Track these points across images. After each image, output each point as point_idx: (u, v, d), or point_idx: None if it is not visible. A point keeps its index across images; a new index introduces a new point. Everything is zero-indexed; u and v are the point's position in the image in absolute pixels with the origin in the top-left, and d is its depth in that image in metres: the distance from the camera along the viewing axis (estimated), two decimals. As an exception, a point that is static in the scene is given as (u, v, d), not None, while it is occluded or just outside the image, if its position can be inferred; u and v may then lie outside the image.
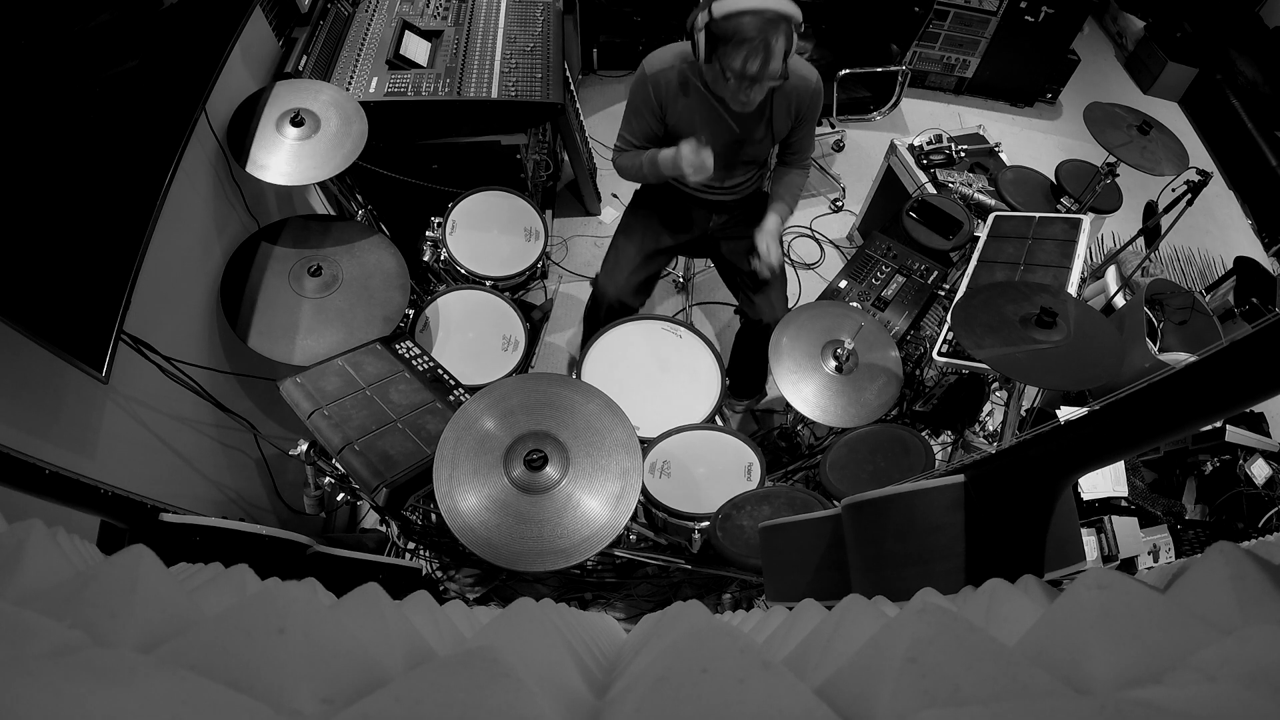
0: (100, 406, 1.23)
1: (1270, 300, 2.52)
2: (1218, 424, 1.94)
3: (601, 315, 1.97)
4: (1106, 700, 0.22)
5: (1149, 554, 1.77)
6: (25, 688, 0.22)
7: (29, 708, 0.21)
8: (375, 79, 2.03)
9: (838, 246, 3.22)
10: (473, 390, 1.45)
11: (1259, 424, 2.02)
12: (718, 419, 1.75)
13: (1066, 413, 1.85)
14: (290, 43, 2.01)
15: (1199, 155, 4.03)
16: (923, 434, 1.72)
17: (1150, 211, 2.91)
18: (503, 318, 1.88)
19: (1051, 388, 2.00)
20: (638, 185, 2.09)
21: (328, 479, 1.48)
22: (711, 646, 0.27)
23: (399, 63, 2.06)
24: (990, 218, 2.07)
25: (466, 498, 1.20)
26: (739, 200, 2.01)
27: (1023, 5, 3.58)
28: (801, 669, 0.37)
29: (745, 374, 2.30)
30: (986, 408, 2.12)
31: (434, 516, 1.66)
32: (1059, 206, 2.41)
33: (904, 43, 3.37)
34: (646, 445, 1.60)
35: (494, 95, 2.05)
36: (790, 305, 1.84)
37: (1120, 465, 1.87)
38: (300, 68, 1.95)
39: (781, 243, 2.13)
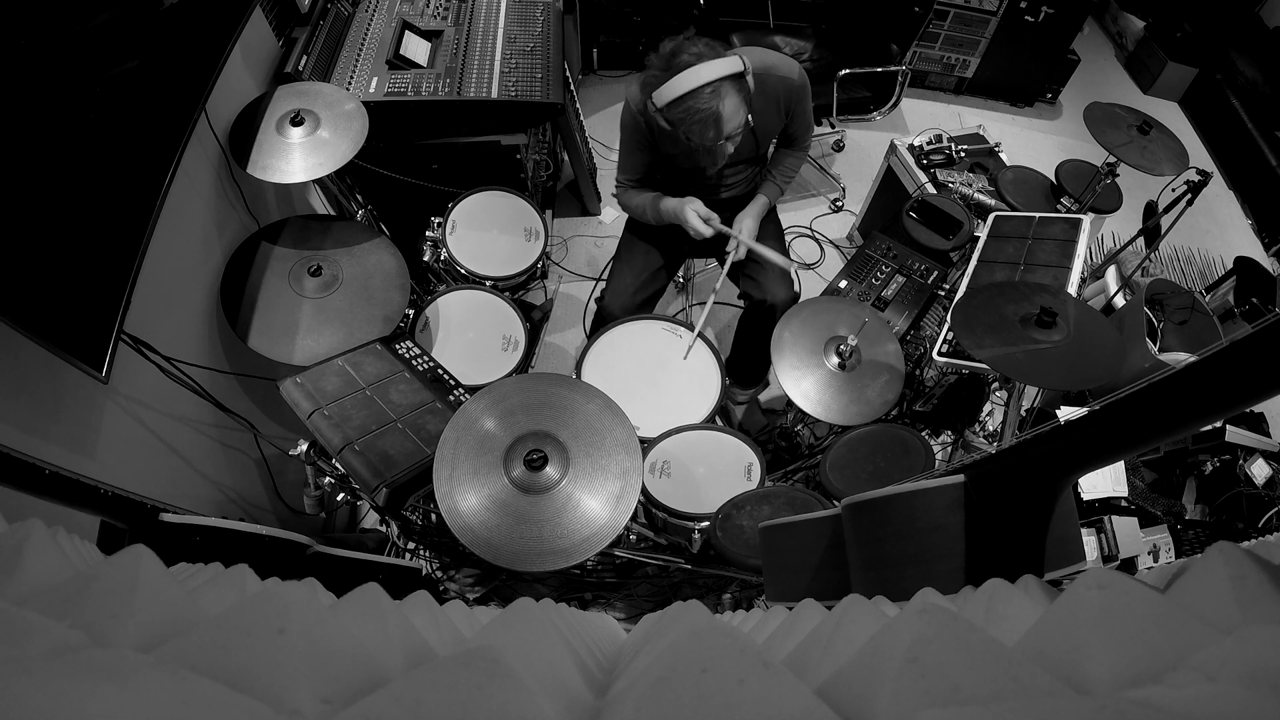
0: (100, 406, 1.23)
1: (1270, 300, 2.52)
2: (1218, 424, 1.94)
3: None
4: (1106, 700, 0.22)
5: (1149, 554, 1.77)
6: (25, 688, 0.22)
7: (29, 708, 0.21)
8: (375, 79, 2.03)
9: (838, 246, 3.22)
10: (473, 390, 1.45)
11: (1259, 424, 2.02)
12: (718, 418, 1.75)
13: (1066, 413, 1.85)
14: (290, 43, 2.01)
15: (1199, 155, 4.03)
16: (923, 434, 1.72)
17: (1150, 211, 2.91)
18: (503, 318, 1.88)
19: (1051, 388, 2.00)
20: None
21: (328, 479, 1.48)
22: (711, 646, 0.27)
23: (399, 63, 2.06)
24: (990, 218, 2.07)
25: (466, 498, 1.20)
26: (737, 198, 2.01)
27: (1023, 5, 3.58)
28: (801, 669, 0.37)
29: (748, 361, 2.27)
30: (986, 408, 2.12)
31: (434, 516, 1.66)
32: (1059, 206, 2.41)
33: (904, 43, 3.36)
34: (646, 445, 1.60)
35: (494, 95, 2.05)
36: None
37: (1120, 465, 1.87)
38: (300, 68, 1.95)
39: (782, 234, 2.13)
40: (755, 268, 1.99)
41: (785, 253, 2.03)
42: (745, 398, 2.48)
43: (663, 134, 1.70)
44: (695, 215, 1.81)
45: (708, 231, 1.83)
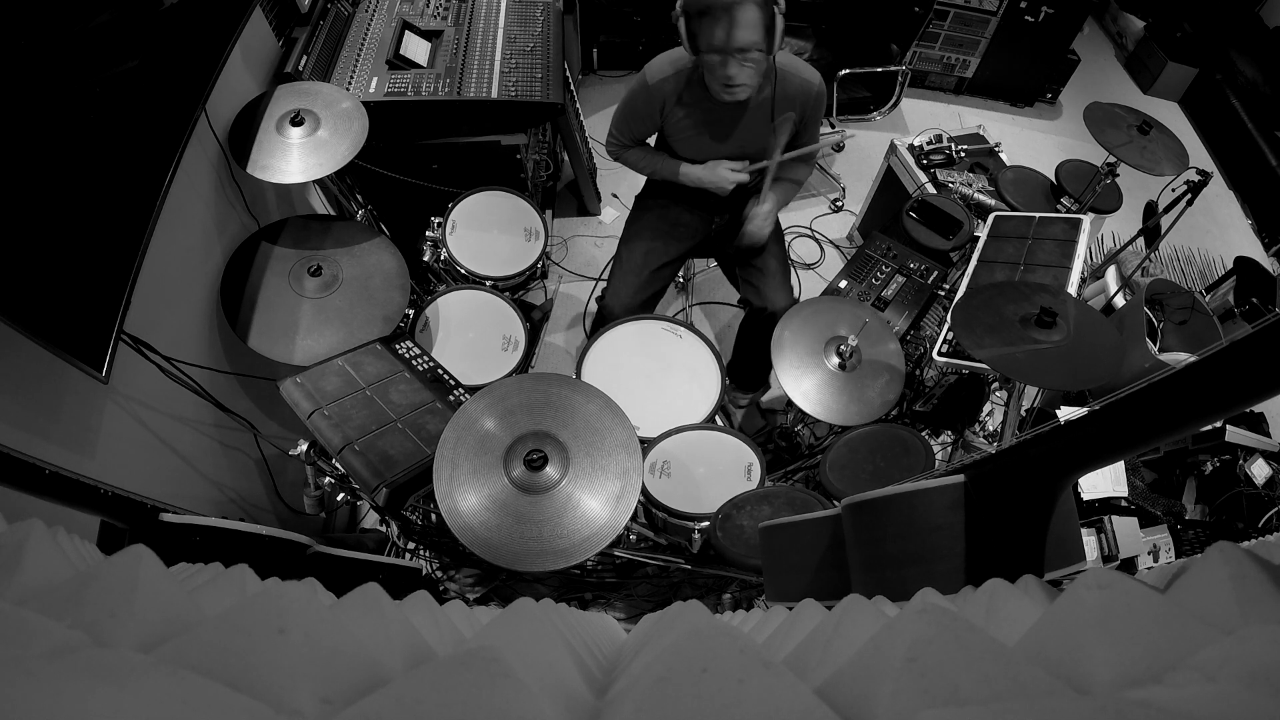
0: (100, 406, 1.23)
1: (1270, 300, 2.52)
2: (1218, 424, 1.94)
3: None
4: (1106, 700, 0.22)
5: (1149, 554, 1.77)
6: (25, 688, 0.22)
7: (29, 708, 0.21)
8: (375, 79, 2.03)
9: (838, 246, 3.22)
10: (473, 390, 1.45)
11: (1259, 424, 2.02)
12: (718, 418, 1.75)
13: (1066, 413, 1.85)
14: (290, 43, 2.01)
15: (1199, 155, 4.02)
16: (923, 434, 1.72)
17: (1150, 211, 2.91)
18: (503, 318, 1.88)
19: (1051, 388, 2.00)
20: (639, 189, 2.13)
21: (328, 479, 1.48)
22: (711, 646, 0.27)
23: (399, 63, 2.06)
24: (990, 218, 2.07)
25: (466, 498, 1.20)
26: (740, 199, 2.01)
27: (1023, 5, 3.58)
28: (801, 669, 0.37)
29: (749, 366, 2.29)
30: (986, 408, 2.12)
31: (434, 516, 1.66)
32: (1059, 206, 2.41)
33: (904, 43, 3.37)
34: (646, 445, 1.60)
35: (494, 95, 2.05)
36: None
37: (1120, 465, 1.87)
38: (300, 68, 1.95)
39: (783, 239, 2.13)
40: (756, 274, 1.99)
41: (786, 262, 2.03)
42: (745, 401, 2.49)
43: (674, 99, 1.69)
44: (729, 170, 1.83)
45: (744, 178, 1.85)
